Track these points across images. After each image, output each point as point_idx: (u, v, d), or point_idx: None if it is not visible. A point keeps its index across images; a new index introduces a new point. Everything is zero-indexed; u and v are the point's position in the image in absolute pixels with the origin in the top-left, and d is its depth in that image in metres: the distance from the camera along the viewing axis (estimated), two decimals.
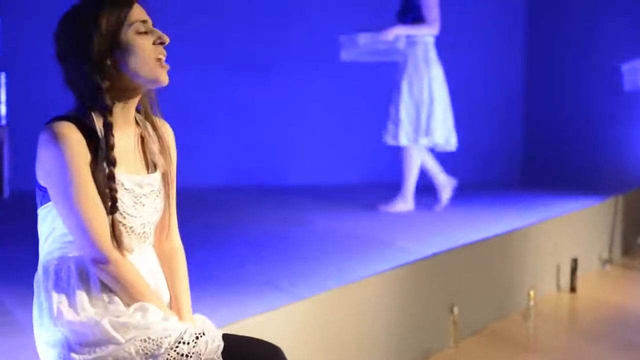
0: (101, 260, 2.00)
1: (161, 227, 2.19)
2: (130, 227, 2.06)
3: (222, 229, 4.88)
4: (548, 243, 5.35)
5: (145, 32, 2.06)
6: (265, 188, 5.80)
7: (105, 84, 2.02)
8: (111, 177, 2.01)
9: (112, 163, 2.01)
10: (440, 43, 5.96)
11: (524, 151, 8.17)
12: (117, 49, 2.03)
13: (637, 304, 5.20)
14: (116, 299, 2.02)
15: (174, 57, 2.27)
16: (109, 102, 2.02)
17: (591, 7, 6.12)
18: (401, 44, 5.64)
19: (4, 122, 5.86)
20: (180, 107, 6.14)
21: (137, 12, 2.06)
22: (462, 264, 4.37)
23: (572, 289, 5.42)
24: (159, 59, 2.06)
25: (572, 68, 7.77)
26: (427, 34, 5.62)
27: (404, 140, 5.64)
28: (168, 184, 2.17)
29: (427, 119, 5.65)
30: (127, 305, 2.02)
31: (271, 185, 5.73)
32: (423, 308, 4.03)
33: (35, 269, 2.09)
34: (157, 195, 2.13)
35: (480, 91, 7.97)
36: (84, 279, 2.02)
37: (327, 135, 7.54)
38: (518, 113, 8.18)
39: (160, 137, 2.15)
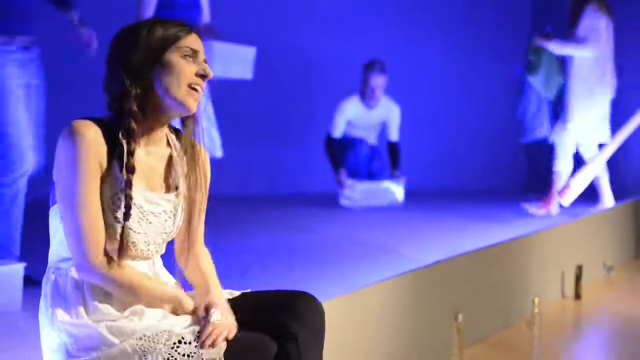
0: (85, 269, 2.00)
1: (180, 245, 2.23)
2: (132, 242, 2.05)
3: (226, 237, 4.88)
4: (553, 250, 5.33)
5: (192, 60, 2.07)
6: (269, 196, 5.80)
7: (135, 91, 2.02)
8: (128, 184, 1.99)
9: (131, 170, 2.00)
10: (449, 54, 5.96)
11: (529, 158, 8.16)
12: (158, 64, 2.04)
13: None
14: (109, 306, 2.02)
15: None
16: (135, 108, 2.02)
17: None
18: None
19: None
20: None
21: (192, 41, 2.08)
22: (467, 272, 4.36)
23: (577, 296, 5.41)
24: (194, 88, 2.06)
25: None
26: None
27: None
28: (185, 208, 2.17)
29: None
30: (122, 306, 2.02)
31: (275, 193, 5.75)
32: (427, 316, 4.02)
33: (39, 276, 2.11)
34: (168, 217, 2.12)
35: (483, 99, 7.98)
36: (79, 286, 2.03)
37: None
38: None
39: (196, 162, 2.16)
